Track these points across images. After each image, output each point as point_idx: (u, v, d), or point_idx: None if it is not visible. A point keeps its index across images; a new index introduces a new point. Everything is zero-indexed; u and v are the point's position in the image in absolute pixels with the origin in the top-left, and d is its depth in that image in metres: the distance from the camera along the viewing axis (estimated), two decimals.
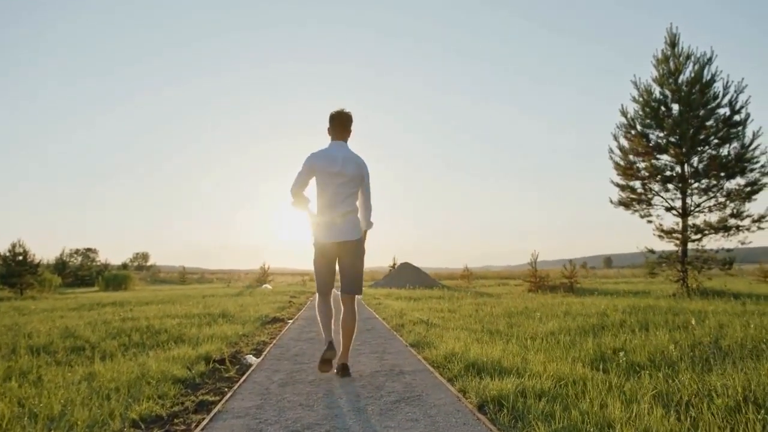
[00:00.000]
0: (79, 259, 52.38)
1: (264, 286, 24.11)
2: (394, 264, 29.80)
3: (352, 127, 4.09)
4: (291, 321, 8.53)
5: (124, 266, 40.41)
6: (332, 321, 4.11)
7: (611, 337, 5.28)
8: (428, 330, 6.39)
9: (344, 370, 3.96)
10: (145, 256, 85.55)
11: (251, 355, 5.04)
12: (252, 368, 4.47)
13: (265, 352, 5.29)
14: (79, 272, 41.55)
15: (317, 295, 4.16)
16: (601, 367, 3.77)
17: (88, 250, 56.43)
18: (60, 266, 38.77)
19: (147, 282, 45.56)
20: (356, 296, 4.09)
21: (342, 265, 4.02)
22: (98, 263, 47.78)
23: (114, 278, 29.05)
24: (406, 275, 23.99)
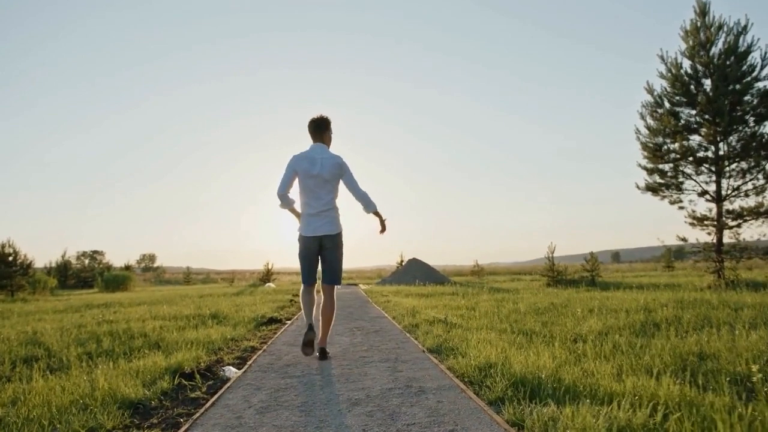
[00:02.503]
0: (86, 261, 51.65)
1: (267, 284, 23.13)
2: (402, 260, 28.75)
3: (331, 130, 4.40)
4: (289, 322, 7.54)
5: (127, 267, 39.45)
6: (314, 308, 4.43)
7: (678, 338, 4.25)
8: (448, 331, 5.37)
9: (322, 354, 4.27)
10: (152, 258, 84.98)
11: (231, 367, 4.04)
12: (228, 385, 3.47)
13: (249, 362, 4.30)
14: (82, 274, 40.78)
15: (302, 285, 4.42)
16: (700, 382, 2.73)
17: (95, 252, 55.72)
18: (62, 268, 37.96)
19: (151, 282, 44.77)
20: (335, 286, 4.35)
21: (322, 258, 4.29)
22: (103, 265, 46.97)
23: (113, 279, 28.13)
24: (414, 271, 22.93)
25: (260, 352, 4.84)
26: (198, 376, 3.65)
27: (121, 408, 3.00)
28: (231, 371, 3.89)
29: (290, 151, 4.30)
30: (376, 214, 4.37)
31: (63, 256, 39.23)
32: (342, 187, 4.33)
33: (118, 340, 5.78)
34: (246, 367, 4.09)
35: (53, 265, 37.80)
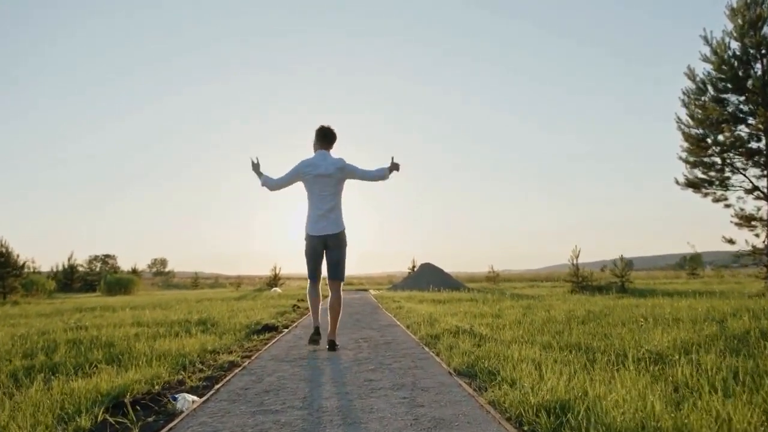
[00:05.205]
0: (98, 265, 51.10)
1: (273, 289, 22.10)
2: (414, 266, 27.58)
3: (335, 143, 4.75)
4: (286, 330, 6.46)
5: (134, 271, 38.78)
6: (320, 306, 4.66)
7: None
8: (479, 345, 4.24)
9: (331, 346, 4.51)
10: (163, 262, 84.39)
11: (187, 394, 2.94)
12: (171, 425, 2.39)
13: (217, 386, 3.21)
14: (88, 277, 40.13)
15: (308, 281, 4.70)
16: None
17: (107, 256, 55.19)
18: (67, 271, 37.32)
19: (158, 287, 44.02)
20: (340, 282, 4.60)
21: (327, 255, 4.58)
22: (112, 268, 46.29)
23: (116, 282, 27.23)
24: (427, 277, 21.72)
25: (237, 370, 3.76)
26: (131, 411, 2.56)
27: None
28: (185, 401, 2.80)
29: (303, 150, 4.68)
30: (392, 168, 4.69)
31: (69, 259, 38.56)
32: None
33: (77, 351, 4.77)
34: (210, 393, 3.01)
35: (59, 268, 37.16)
